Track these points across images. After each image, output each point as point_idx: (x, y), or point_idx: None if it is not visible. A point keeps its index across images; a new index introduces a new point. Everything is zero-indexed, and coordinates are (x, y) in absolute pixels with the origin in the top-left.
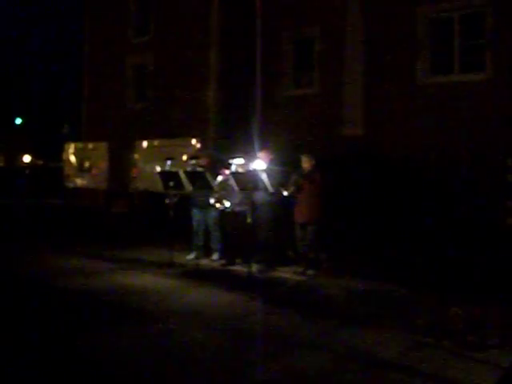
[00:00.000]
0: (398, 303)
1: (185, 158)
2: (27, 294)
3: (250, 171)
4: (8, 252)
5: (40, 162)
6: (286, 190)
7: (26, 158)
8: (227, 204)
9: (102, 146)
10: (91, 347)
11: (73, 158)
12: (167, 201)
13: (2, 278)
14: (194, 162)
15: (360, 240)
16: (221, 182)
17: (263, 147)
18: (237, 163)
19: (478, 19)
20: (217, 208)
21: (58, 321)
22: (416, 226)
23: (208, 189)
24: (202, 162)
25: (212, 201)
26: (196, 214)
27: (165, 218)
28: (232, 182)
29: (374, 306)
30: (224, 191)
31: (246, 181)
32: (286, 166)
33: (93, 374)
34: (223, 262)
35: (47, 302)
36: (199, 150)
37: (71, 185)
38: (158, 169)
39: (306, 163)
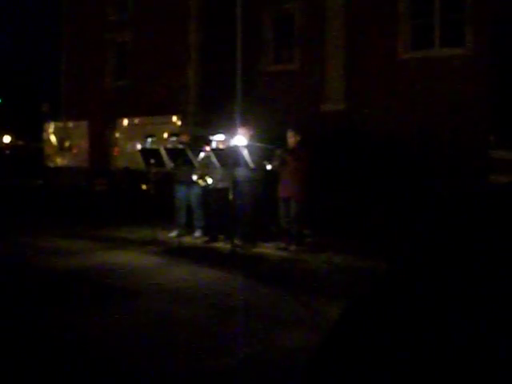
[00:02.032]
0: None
1: (165, 135)
2: (6, 273)
3: (230, 147)
4: None
5: (20, 142)
6: (269, 164)
7: (6, 139)
8: (210, 181)
9: (83, 125)
10: (72, 325)
11: (53, 138)
12: (144, 187)
13: None
14: (174, 138)
15: (342, 215)
16: (203, 159)
17: (244, 123)
18: (217, 139)
19: None
20: (200, 185)
21: (38, 299)
22: (397, 201)
23: (190, 166)
24: (183, 138)
25: (195, 178)
26: (179, 190)
27: (146, 195)
28: (213, 158)
29: (357, 281)
30: (206, 168)
31: (227, 157)
32: (267, 141)
33: (74, 352)
34: (206, 238)
35: (27, 282)
36: (180, 127)
37: (52, 164)
38: (139, 146)
39: (291, 138)
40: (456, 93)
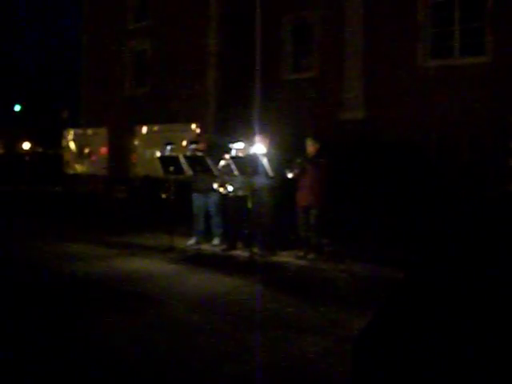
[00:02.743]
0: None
1: (184, 142)
2: (28, 280)
3: (249, 155)
4: (9, 239)
5: (40, 149)
6: (290, 172)
7: (26, 145)
8: (230, 188)
9: (102, 132)
10: (91, 332)
11: (72, 145)
12: (163, 195)
13: (3, 263)
14: (193, 146)
15: (361, 224)
16: (223, 167)
17: (263, 131)
18: (237, 147)
19: (478, 2)
20: (220, 192)
21: (58, 306)
22: (416, 210)
23: (208, 173)
24: (199, 146)
25: (215, 185)
26: (197, 198)
27: (165, 203)
28: (233, 166)
29: (376, 289)
30: (226, 176)
31: (246, 165)
32: (286, 149)
33: (92, 359)
34: (224, 246)
35: (47, 288)
36: (199, 134)
37: (71, 171)
38: (158, 154)
39: (310, 147)
40: (476, 101)
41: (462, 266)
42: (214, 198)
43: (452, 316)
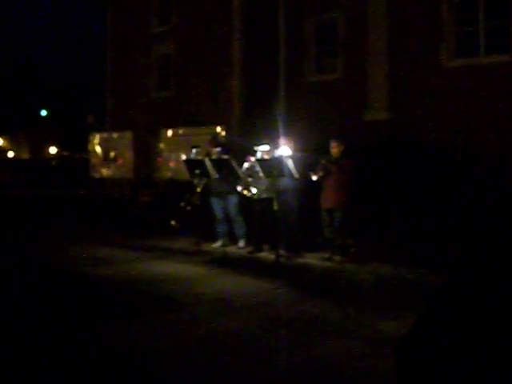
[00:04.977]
0: (426, 288)
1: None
2: (56, 283)
3: (275, 158)
4: (37, 242)
5: (66, 153)
6: (314, 174)
7: (52, 150)
8: (254, 191)
9: (127, 136)
10: (119, 334)
11: (98, 148)
12: (182, 204)
13: (32, 267)
14: (219, 149)
15: (386, 225)
16: (247, 169)
17: (287, 133)
18: (262, 150)
19: (502, 1)
20: (243, 195)
21: (86, 308)
22: (442, 212)
23: (232, 176)
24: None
25: (239, 188)
26: (215, 202)
27: (191, 205)
28: (258, 168)
29: (402, 291)
30: (250, 178)
31: (272, 167)
32: (311, 151)
33: (119, 361)
34: (250, 249)
35: (75, 290)
36: (224, 137)
37: (97, 175)
38: (184, 157)
39: (334, 148)
40: (501, 100)
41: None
42: (233, 200)
43: (500, 321)
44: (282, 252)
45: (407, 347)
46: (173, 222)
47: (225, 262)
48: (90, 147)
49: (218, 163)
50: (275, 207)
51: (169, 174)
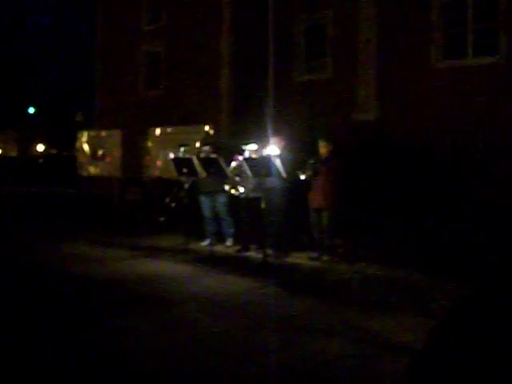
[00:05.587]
0: (413, 288)
1: (198, 144)
2: (42, 282)
3: (263, 157)
4: (23, 240)
5: (53, 151)
6: (303, 174)
7: (40, 147)
8: (241, 190)
9: (116, 134)
10: (107, 334)
11: (86, 146)
12: (167, 200)
13: (18, 266)
14: (207, 148)
15: (374, 225)
16: (234, 168)
17: (276, 133)
18: (250, 149)
19: (491, 2)
20: (230, 194)
21: (74, 308)
22: (430, 212)
23: (220, 175)
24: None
25: (226, 187)
26: (204, 201)
27: (179, 204)
28: (245, 167)
29: (389, 291)
30: (238, 177)
31: (260, 167)
32: (299, 151)
33: (103, 360)
34: (237, 247)
35: (63, 290)
36: (211, 136)
37: (85, 173)
38: (172, 155)
39: (323, 148)
40: (489, 102)
41: None
42: (221, 199)
43: None
44: (269, 251)
45: (422, 364)
46: (161, 219)
47: (212, 261)
48: (77, 145)
49: (206, 162)
50: (263, 206)
51: (157, 173)
